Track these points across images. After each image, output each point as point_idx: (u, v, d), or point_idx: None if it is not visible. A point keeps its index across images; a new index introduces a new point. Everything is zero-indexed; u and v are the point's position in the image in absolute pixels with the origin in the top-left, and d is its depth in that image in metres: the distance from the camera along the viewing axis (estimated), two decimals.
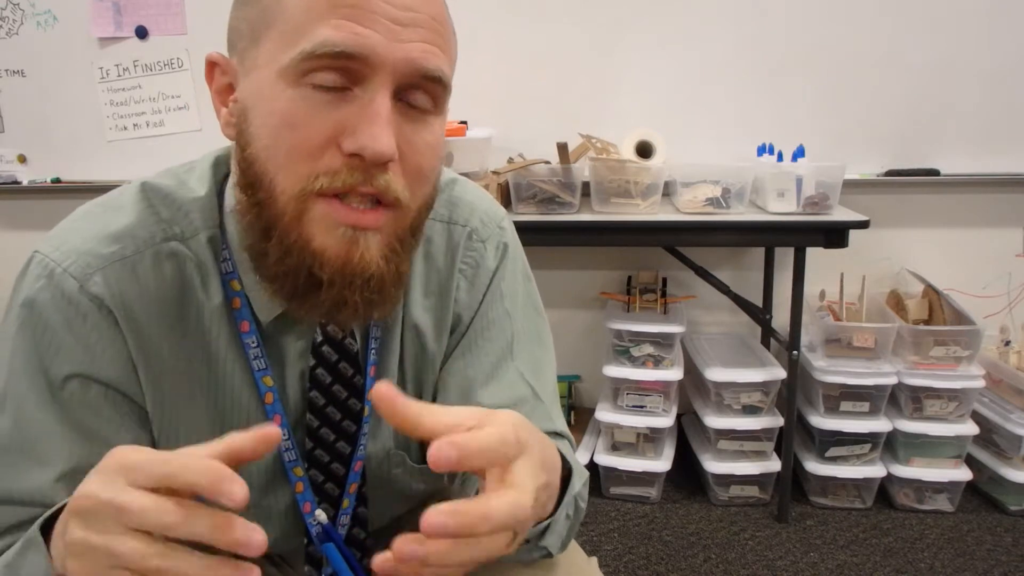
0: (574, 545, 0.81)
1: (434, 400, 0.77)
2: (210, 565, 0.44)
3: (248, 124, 0.59)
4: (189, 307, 0.66)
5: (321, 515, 0.73)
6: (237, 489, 0.43)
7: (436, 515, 0.43)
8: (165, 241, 0.65)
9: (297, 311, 0.63)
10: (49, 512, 0.54)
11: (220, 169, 0.69)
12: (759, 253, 2.23)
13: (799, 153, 1.87)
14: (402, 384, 0.75)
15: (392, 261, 0.61)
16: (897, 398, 1.94)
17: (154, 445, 0.69)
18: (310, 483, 0.72)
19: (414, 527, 0.43)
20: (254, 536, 0.43)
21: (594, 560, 0.80)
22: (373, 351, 0.72)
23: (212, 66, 0.64)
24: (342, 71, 0.56)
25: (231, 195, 0.66)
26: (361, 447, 0.73)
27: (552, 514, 0.63)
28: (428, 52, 0.58)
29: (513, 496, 0.46)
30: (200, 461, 0.44)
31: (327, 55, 0.55)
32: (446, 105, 0.62)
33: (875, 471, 1.92)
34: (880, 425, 1.90)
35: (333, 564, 0.73)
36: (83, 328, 0.62)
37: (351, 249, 0.58)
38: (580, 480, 0.68)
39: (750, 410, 1.94)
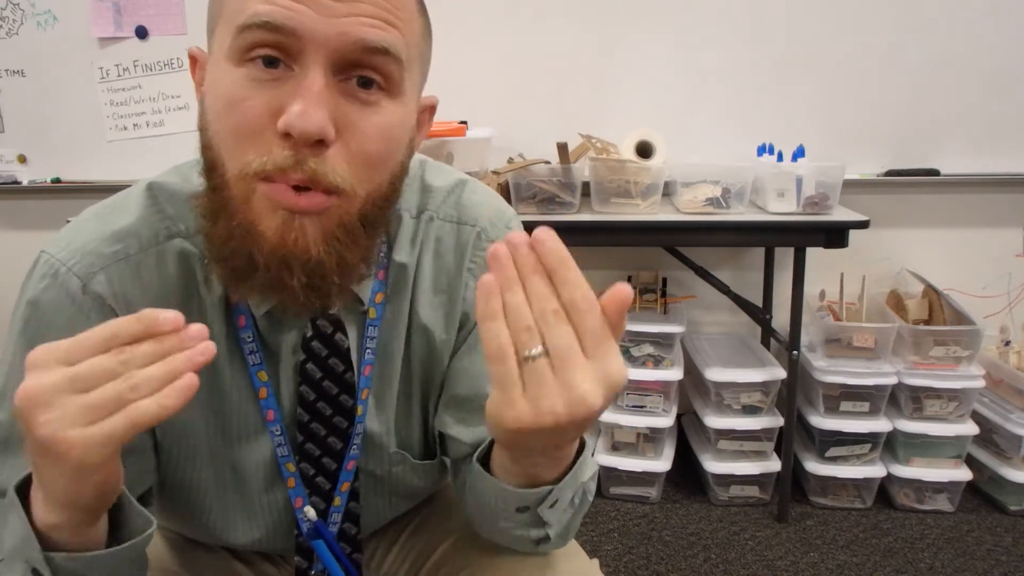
0: (576, 547, 0.81)
1: (440, 395, 0.78)
2: (160, 349, 0.48)
3: (205, 110, 0.60)
4: (191, 303, 0.66)
5: (310, 511, 0.73)
6: (165, 313, 0.48)
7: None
8: (169, 239, 0.66)
9: (235, 292, 0.64)
10: (25, 474, 0.55)
11: None
12: (759, 253, 2.23)
13: (799, 153, 1.87)
14: (409, 381, 0.76)
15: (333, 249, 0.59)
16: (897, 398, 1.94)
17: (155, 442, 0.70)
18: (301, 477, 0.73)
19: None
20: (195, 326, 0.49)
21: (595, 563, 0.80)
22: (369, 351, 0.72)
23: (193, 61, 0.65)
24: (276, 47, 0.55)
25: None
26: (354, 445, 0.73)
27: (556, 482, 0.63)
28: (368, 25, 0.56)
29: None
30: (116, 321, 0.48)
31: (255, 26, 0.54)
32: (404, 87, 0.60)
33: (875, 471, 1.92)
34: (880, 425, 1.90)
35: (323, 561, 0.73)
36: (85, 326, 0.61)
37: (286, 232, 0.57)
38: (590, 470, 0.68)
39: (750, 410, 1.94)
